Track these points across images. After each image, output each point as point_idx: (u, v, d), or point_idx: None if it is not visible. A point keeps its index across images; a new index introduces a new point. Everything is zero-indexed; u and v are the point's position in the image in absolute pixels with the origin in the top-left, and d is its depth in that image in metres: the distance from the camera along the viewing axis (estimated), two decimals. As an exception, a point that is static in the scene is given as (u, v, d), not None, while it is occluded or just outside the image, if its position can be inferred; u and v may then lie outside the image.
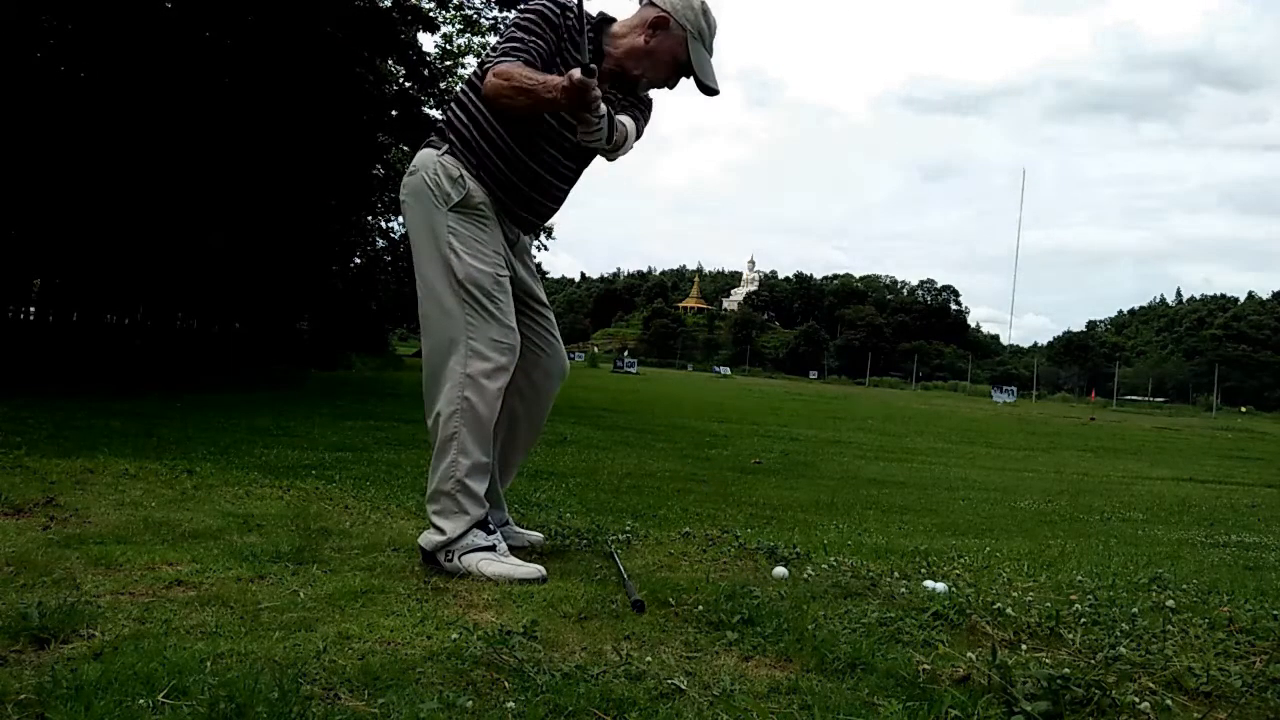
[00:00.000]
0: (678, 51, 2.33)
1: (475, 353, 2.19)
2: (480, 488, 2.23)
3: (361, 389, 14.37)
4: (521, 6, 2.34)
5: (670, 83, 2.41)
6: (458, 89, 2.38)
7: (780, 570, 2.31)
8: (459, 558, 2.17)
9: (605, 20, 2.38)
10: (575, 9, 2.20)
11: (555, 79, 2.08)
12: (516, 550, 2.36)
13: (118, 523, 2.45)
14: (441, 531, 2.19)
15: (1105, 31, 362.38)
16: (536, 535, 2.61)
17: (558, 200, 2.44)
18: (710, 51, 2.38)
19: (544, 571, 2.15)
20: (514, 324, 2.27)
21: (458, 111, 2.32)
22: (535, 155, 2.31)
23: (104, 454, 3.88)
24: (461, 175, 2.25)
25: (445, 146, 2.29)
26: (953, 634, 1.79)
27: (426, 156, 2.29)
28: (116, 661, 1.38)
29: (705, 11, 2.34)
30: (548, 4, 2.28)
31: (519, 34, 2.24)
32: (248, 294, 18.35)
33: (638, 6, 2.40)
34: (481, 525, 2.22)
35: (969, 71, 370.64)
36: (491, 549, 2.20)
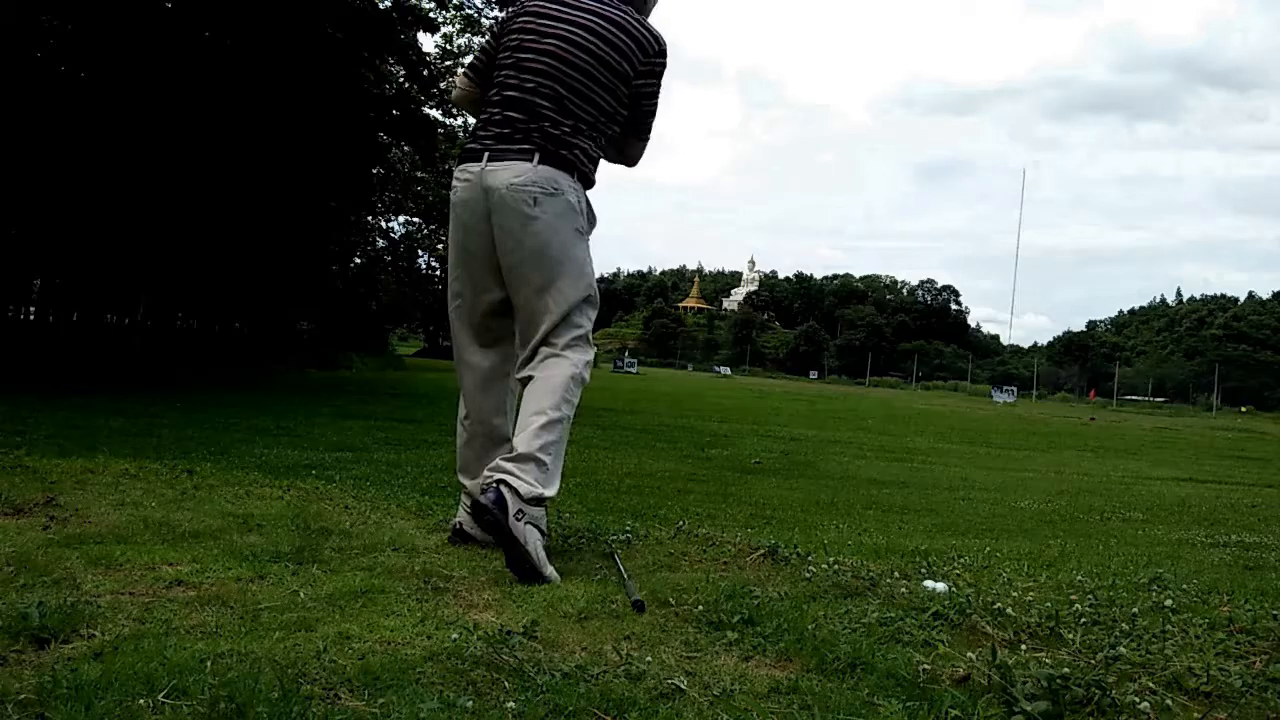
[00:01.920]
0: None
1: (588, 355, 2.42)
2: None
3: (361, 389, 14.38)
4: None
5: None
6: (587, 129, 2.43)
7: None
8: (527, 523, 2.08)
9: None
10: None
11: None
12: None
13: (118, 523, 2.44)
14: (544, 486, 2.16)
15: (1103, 31, 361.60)
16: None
17: None
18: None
19: (559, 578, 2.15)
20: None
21: (590, 153, 2.44)
22: None
23: (104, 454, 3.87)
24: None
25: (575, 175, 2.39)
26: (953, 634, 1.79)
27: (565, 180, 2.36)
28: (116, 661, 1.38)
29: None
30: None
31: None
32: (248, 294, 18.37)
33: None
34: None
35: (968, 72, 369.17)
36: (546, 536, 2.20)
